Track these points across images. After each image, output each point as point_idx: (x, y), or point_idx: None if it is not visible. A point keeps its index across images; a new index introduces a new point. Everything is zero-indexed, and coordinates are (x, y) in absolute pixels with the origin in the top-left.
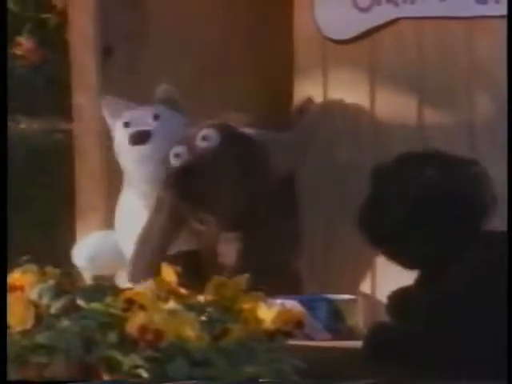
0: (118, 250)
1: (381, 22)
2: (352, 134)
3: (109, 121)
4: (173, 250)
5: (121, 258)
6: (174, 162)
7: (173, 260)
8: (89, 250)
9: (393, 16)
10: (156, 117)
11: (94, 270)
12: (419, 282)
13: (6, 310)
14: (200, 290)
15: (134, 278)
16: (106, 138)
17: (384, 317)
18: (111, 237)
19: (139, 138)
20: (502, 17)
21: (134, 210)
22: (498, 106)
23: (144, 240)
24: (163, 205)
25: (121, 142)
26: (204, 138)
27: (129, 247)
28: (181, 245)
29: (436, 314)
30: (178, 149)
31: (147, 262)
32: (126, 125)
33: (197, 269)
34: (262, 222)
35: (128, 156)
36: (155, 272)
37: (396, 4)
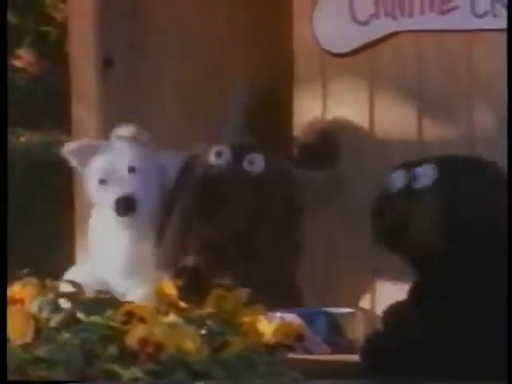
0: (99, 283)
1: (379, 35)
2: (351, 146)
3: (77, 166)
4: (176, 266)
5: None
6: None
7: (176, 275)
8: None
9: (391, 29)
10: (131, 169)
11: None
12: (416, 295)
13: (6, 310)
14: (200, 303)
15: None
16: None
17: (382, 330)
18: (90, 270)
19: (127, 207)
20: (500, 30)
21: (110, 233)
22: (497, 117)
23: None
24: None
25: (98, 196)
26: (218, 155)
27: (109, 272)
28: (184, 260)
29: (433, 325)
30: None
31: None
32: (102, 182)
33: (199, 283)
34: (264, 236)
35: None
36: (155, 285)
37: (394, 18)
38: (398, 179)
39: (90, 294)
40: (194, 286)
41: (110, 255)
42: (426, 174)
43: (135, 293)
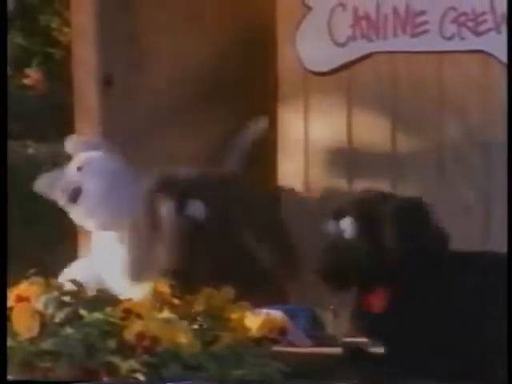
0: (100, 279)
1: (356, 56)
2: (329, 158)
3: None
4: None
5: (104, 285)
6: None
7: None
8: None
9: (367, 50)
10: (79, 168)
11: None
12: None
13: (6, 311)
14: (191, 300)
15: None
16: None
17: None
18: (91, 267)
19: (71, 197)
20: (466, 52)
21: (109, 238)
22: (465, 131)
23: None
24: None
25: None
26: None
27: (108, 273)
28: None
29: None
30: None
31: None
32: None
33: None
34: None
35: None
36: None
37: (370, 40)
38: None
39: (91, 292)
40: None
41: (107, 258)
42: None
43: (132, 291)
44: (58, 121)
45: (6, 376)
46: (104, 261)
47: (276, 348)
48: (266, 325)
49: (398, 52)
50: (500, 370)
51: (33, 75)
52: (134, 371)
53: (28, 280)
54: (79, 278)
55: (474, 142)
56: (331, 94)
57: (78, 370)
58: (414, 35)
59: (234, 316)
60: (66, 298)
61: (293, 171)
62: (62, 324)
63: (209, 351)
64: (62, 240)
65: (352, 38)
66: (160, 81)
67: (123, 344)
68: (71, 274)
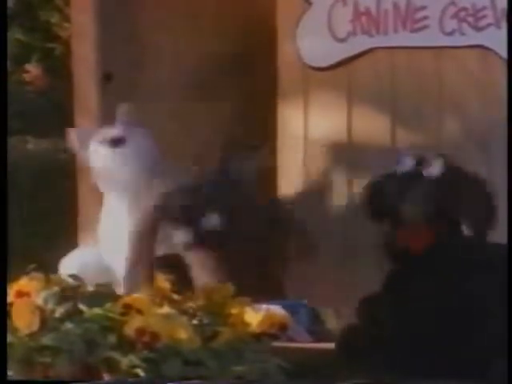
0: (101, 265)
1: (356, 51)
2: (330, 152)
3: (80, 149)
4: (161, 251)
5: (105, 271)
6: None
7: (162, 261)
8: (72, 269)
9: (368, 46)
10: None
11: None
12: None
13: (6, 307)
14: (190, 293)
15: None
16: None
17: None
18: (94, 252)
19: (116, 141)
20: (466, 47)
21: (117, 218)
22: (464, 126)
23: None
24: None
25: (99, 157)
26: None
27: (113, 256)
28: (169, 247)
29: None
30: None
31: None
32: (102, 143)
33: (184, 269)
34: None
35: (110, 163)
36: (150, 279)
37: (371, 35)
38: (406, 163)
39: (91, 287)
40: (182, 274)
41: (117, 243)
42: (436, 164)
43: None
44: (57, 117)
45: (6, 371)
46: (110, 243)
47: (276, 344)
48: (266, 320)
49: (398, 47)
50: (500, 370)
51: (32, 71)
52: (134, 367)
53: (28, 275)
54: (80, 264)
55: (474, 137)
56: (331, 90)
57: (78, 365)
58: (414, 30)
59: (233, 311)
60: (66, 294)
61: (292, 167)
62: (61, 319)
63: (209, 347)
64: (62, 235)
65: (352, 34)
66: (160, 79)
67: (123, 339)
68: (71, 260)
